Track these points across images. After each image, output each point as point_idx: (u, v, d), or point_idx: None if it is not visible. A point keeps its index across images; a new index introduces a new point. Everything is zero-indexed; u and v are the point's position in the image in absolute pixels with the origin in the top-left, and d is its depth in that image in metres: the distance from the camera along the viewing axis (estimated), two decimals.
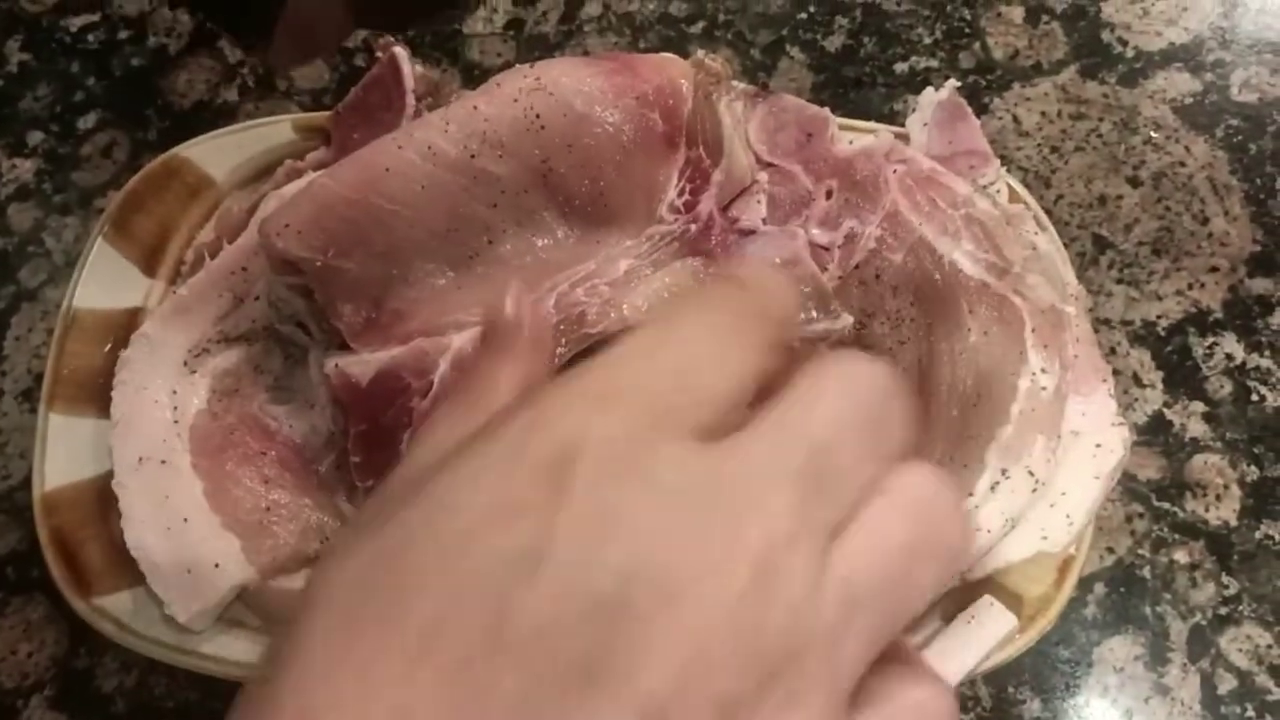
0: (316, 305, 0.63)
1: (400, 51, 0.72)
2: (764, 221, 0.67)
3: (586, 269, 0.63)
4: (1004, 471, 0.61)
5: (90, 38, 0.91)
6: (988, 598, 0.62)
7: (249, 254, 0.67)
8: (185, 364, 0.65)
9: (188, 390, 0.65)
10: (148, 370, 0.65)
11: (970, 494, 0.61)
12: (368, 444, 0.61)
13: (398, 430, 0.60)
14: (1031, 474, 0.61)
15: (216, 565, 0.61)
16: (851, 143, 0.69)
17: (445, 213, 0.64)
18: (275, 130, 0.76)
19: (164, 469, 0.63)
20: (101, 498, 0.68)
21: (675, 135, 0.64)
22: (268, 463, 0.64)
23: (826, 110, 0.69)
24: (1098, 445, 0.62)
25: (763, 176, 0.66)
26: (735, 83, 0.72)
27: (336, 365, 0.61)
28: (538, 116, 0.65)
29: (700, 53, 0.67)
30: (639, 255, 0.63)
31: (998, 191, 0.69)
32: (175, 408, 0.65)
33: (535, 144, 0.63)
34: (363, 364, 0.61)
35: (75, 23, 0.91)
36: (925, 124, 0.70)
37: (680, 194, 0.64)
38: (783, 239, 0.65)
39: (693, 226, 0.64)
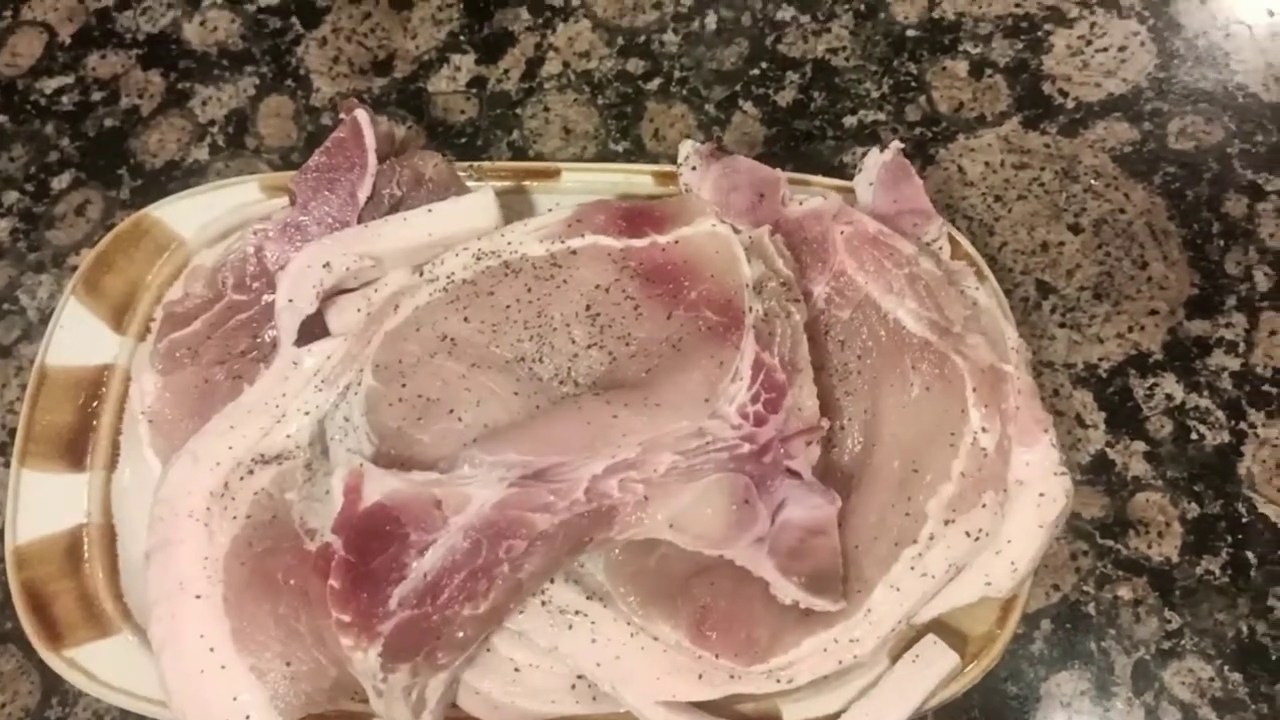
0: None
1: (362, 114, 0.74)
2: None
3: (628, 455, 0.61)
4: (946, 522, 0.63)
5: (64, 99, 0.93)
6: (931, 636, 0.64)
7: (287, 375, 0.68)
8: (227, 486, 0.65)
9: (224, 515, 0.64)
10: (189, 490, 0.65)
11: (914, 542, 0.63)
12: (351, 577, 0.58)
13: (384, 581, 0.58)
14: (974, 530, 0.63)
15: (249, 718, 0.61)
16: (801, 203, 0.71)
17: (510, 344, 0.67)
18: (242, 189, 0.78)
19: (199, 604, 0.62)
20: (72, 551, 0.70)
21: (733, 327, 0.66)
22: (288, 597, 0.63)
23: (779, 172, 0.72)
24: (1041, 494, 0.64)
25: (825, 423, 0.64)
26: (690, 141, 0.75)
27: (360, 464, 0.61)
28: (588, 307, 0.68)
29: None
30: (685, 451, 0.62)
31: (940, 248, 0.72)
32: (212, 535, 0.64)
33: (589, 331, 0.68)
34: (377, 481, 0.60)
35: (50, 84, 0.94)
36: (871, 183, 0.72)
37: (754, 399, 0.63)
38: (819, 501, 0.62)
39: (747, 446, 0.63)
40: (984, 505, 0.63)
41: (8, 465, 0.78)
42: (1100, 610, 0.73)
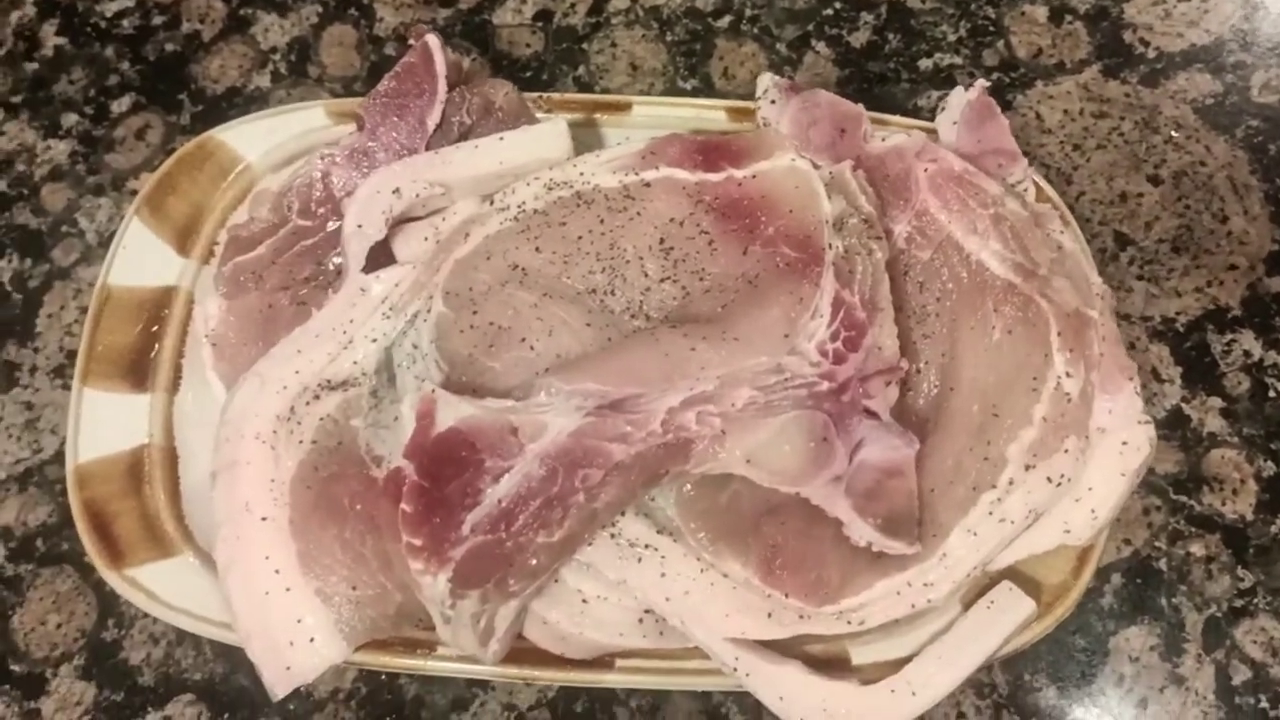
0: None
1: (433, 39, 0.73)
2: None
3: (706, 388, 0.60)
4: (1026, 467, 0.62)
5: (125, 23, 0.92)
6: (1006, 583, 0.62)
7: (354, 301, 0.67)
8: (293, 411, 0.64)
9: (290, 440, 0.64)
10: (255, 413, 0.64)
11: (992, 486, 0.61)
12: (424, 501, 0.58)
13: (458, 507, 0.58)
14: (1056, 475, 0.62)
15: (313, 640, 0.60)
16: (884, 139, 0.70)
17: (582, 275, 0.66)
18: (309, 114, 0.77)
19: (265, 526, 0.62)
20: (133, 471, 0.69)
21: (812, 264, 0.64)
22: (354, 522, 0.62)
23: (860, 107, 0.70)
24: (1124, 443, 0.63)
25: (904, 364, 0.63)
26: (770, 74, 0.73)
27: (434, 390, 0.60)
28: (661, 241, 0.67)
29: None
30: (763, 387, 0.61)
31: (1025, 190, 0.70)
32: (278, 458, 0.63)
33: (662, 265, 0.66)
34: (451, 407, 0.59)
35: (110, 8, 0.92)
36: (954, 122, 0.71)
37: (834, 337, 0.62)
38: (897, 443, 0.61)
39: (826, 384, 0.62)
40: (1066, 450, 0.62)
41: (67, 388, 0.78)
42: (1172, 566, 0.71)
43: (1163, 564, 0.71)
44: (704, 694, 0.69)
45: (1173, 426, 0.75)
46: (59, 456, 0.76)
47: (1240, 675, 0.69)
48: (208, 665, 0.71)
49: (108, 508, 0.68)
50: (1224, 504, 0.73)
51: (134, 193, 0.83)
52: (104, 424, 0.70)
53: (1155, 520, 0.72)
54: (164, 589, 0.66)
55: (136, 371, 0.72)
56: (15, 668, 0.72)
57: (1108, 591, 0.71)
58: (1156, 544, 0.72)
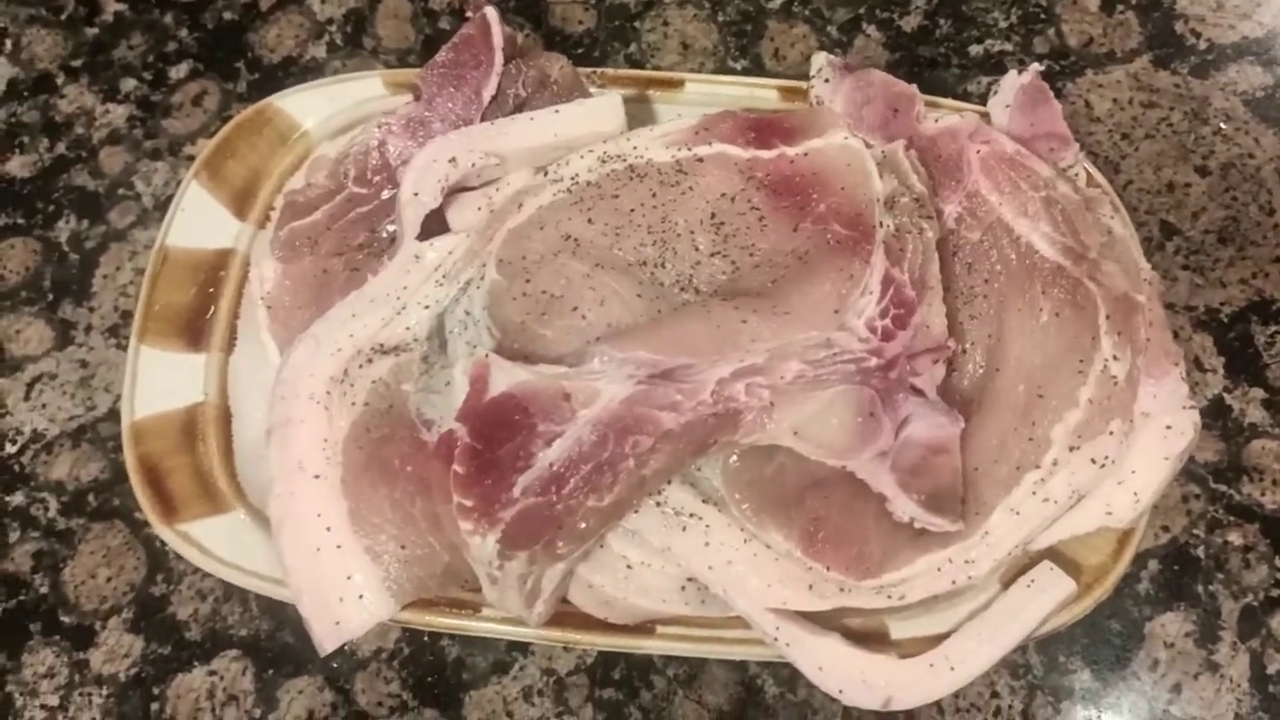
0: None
1: (491, 11, 0.73)
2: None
3: (756, 360, 0.61)
4: (1071, 448, 0.62)
5: None
6: (1047, 563, 0.63)
7: (409, 268, 0.68)
8: (346, 373, 0.65)
9: (343, 401, 0.65)
10: (310, 373, 0.65)
11: (1036, 466, 0.62)
12: (476, 463, 0.59)
13: (509, 470, 0.59)
14: (1100, 457, 0.62)
15: (362, 597, 0.62)
16: (937, 120, 0.70)
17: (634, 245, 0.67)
18: (366, 84, 0.78)
19: (318, 484, 0.63)
20: (188, 429, 0.71)
21: (863, 241, 0.65)
22: (404, 483, 0.63)
23: (914, 87, 0.71)
24: (1168, 427, 0.63)
25: (951, 343, 0.64)
26: (824, 54, 0.73)
27: (487, 355, 0.61)
28: (712, 215, 0.68)
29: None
30: (812, 361, 0.62)
31: (1076, 175, 0.70)
32: (331, 418, 0.65)
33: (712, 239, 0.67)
34: (505, 372, 0.60)
35: None
36: (1007, 106, 0.71)
37: (883, 314, 0.63)
38: (943, 421, 0.62)
39: (874, 360, 0.62)
40: (1110, 433, 0.62)
41: (121, 347, 0.79)
42: (1209, 554, 0.72)
43: (1200, 551, 0.72)
44: (740, 664, 0.70)
45: (1214, 416, 0.75)
46: (112, 414, 0.78)
47: (1275, 664, 0.69)
48: (254, 621, 0.73)
49: (162, 464, 0.69)
50: (1263, 494, 0.73)
51: (190, 158, 0.85)
52: (160, 381, 0.71)
53: (1194, 508, 0.73)
54: (216, 544, 0.67)
55: (192, 331, 0.73)
56: (65, 619, 0.73)
57: (1144, 577, 0.71)
58: (1195, 531, 0.72)
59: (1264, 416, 0.75)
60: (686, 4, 0.90)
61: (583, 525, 0.59)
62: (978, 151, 0.67)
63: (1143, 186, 0.82)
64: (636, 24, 0.90)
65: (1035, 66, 0.71)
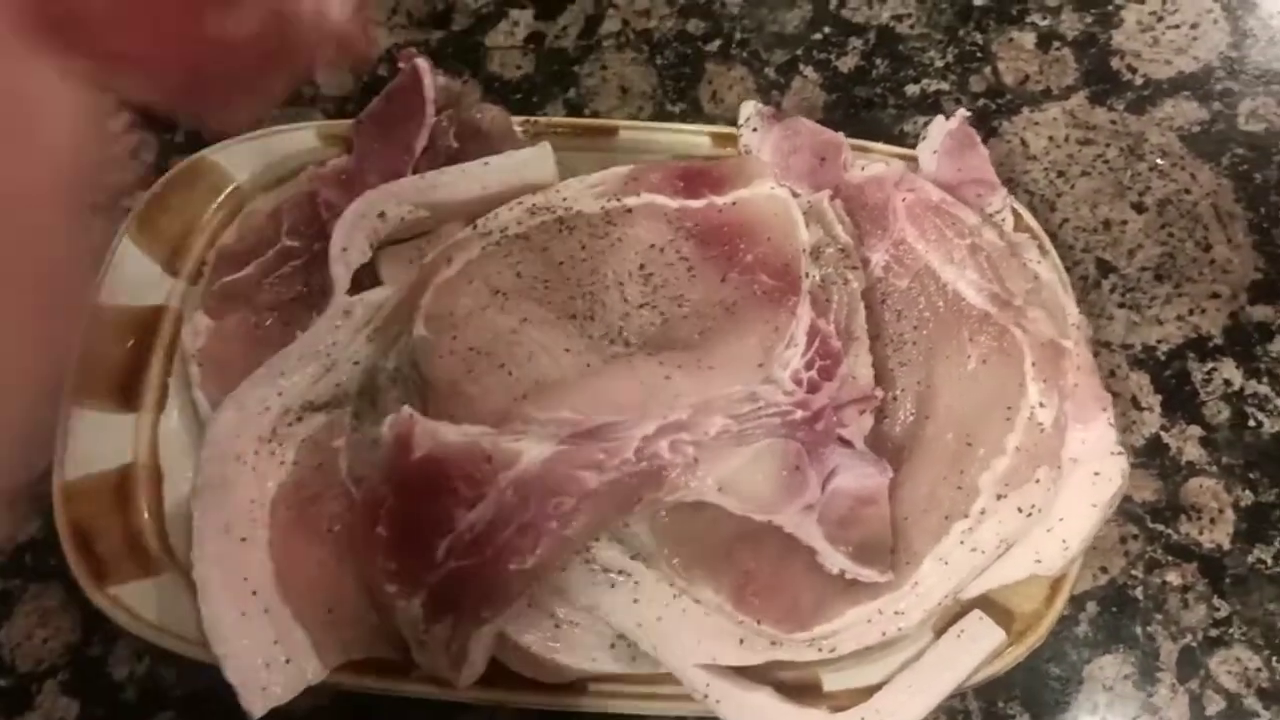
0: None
1: (422, 63, 0.74)
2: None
3: (680, 416, 0.61)
4: (998, 496, 0.62)
5: None
6: (976, 612, 0.63)
7: (338, 323, 0.68)
8: (275, 432, 0.64)
9: (271, 460, 0.64)
10: (238, 433, 0.65)
11: (964, 515, 0.62)
12: (400, 526, 0.58)
13: (433, 533, 0.58)
14: (1027, 505, 0.62)
15: (289, 661, 0.61)
16: (863, 168, 0.70)
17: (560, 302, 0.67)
18: (299, 136, 0.78)
19: (244, 546, 0.62)
20: (119, 489, 0.70)
21: (789, 292, 0.65)
22: (333, 544, 0.63)
23: (840, 135, 0.71)
24: (1096, 473, 0.63)
25: (878, 393, 0.63)
26: (753, 102, 0.74)
27: (411, 415, 0.60)
28: (641, 266, 0.68)
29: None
30: (737, 415, 0.62)
31: (1003, 220, 0.70)
32: (259, 479, 0.64)
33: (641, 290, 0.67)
34: (428, 433, 0.60)
35: None
36: (935, 151, 0.71)
37: (808, 366, 0.63)
38: (871, 471, 0.61)
39: (800, 413, 0.62)
40: (1038, 480, 0.62)
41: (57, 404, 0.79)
42: (1148, 595, 0.72)
43: (1139, 592, 0.72)
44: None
45: (1151, 454, 0.75)
46: (50, 474, 0.77)
47: (1214, 706, 0.69)
48: (191, 682, 0.72)
49: (94, 525, 0.68)
50: (1201, 533, 0.73)
51: (128, 211, 0.84)
52: (91, 442, 0.70)
53: (1132, 548, 0.73)
54: (146, 608, 0.66)
55: (125, 390, 0.73)
56: (1, 682, 0.73)
57: (1083, 619, 0.71)
58: (1133, 572, 0.72)
59: (1201, 454, 0.75)
60: (625, 47, 0.90)
61: (508, 587, 0.58)
62: (904, 199, 0.67)
63: (1079, 224, 0.82)
64: (575, 68, 0.90)
65: (962, 112, 0.71)
